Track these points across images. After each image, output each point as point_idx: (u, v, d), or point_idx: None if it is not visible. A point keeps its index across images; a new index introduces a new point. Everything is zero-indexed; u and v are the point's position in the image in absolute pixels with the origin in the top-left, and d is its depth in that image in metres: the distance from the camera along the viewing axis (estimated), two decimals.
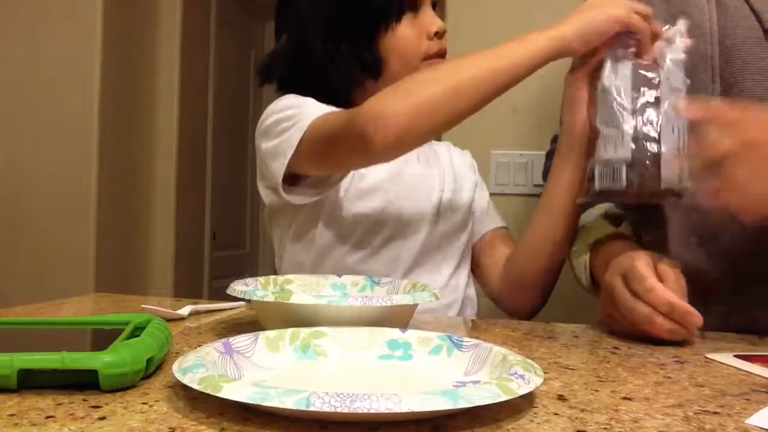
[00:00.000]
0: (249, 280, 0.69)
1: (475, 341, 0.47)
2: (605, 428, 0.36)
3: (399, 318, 0.60)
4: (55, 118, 2.06)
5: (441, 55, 0.90)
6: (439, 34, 0.89)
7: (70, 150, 2.05)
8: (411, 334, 0.50)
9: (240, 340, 0.46)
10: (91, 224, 2.05)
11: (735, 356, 0.56)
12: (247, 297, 0.59)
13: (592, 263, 0.82)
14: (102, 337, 0.46)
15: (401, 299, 0.57)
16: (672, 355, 0.57)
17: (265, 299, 0.56)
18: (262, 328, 0.54)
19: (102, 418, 0.35)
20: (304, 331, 0.50)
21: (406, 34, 0.88)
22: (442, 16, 1.59)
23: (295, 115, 0.81)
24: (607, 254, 0.77)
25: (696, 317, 0.60)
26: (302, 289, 0.73)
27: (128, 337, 0.44)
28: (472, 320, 0.75)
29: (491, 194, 1.58)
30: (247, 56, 3.22)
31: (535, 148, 1.40)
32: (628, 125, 0.68)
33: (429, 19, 0.90)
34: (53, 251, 2.06)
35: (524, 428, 0.35)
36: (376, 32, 0.88)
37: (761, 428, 0.36)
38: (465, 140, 1.52)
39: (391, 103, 0.71)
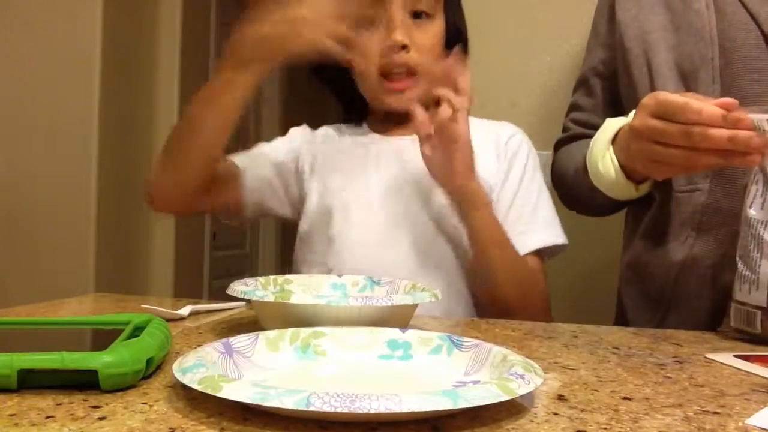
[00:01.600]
0: (249, 280, 0.69)
1: (475, 341, 0.47)
2: (605, 428, 0.36)
3: (399, 318, 0.60)
4: (55, 118, 2.06)
5: (396, 66, 0.85)
6: (393, 48, 0.84)
7: (70, 150, 2.05)
8: (411, 334, 0.50)
9: (240, 340, 0.46)
10: (91, 224, 2.05)
11: (735, 356, 0.56)
12: (247, 297, 0.59)
13: (618, 153, 0.78)
14: (102, 337, 0.46)
15: (401, 299, 0.57)
16: (672, 355, 0.57)
17: (265, 299, 0.56)
18: (262, 328, 0.55)
19: (102, 418, 0.35)
20: (304, 331, 0.50)
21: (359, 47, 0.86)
22: None
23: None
24: (621, 134, 0.75)
25: (746, 118, 0.58)
26: (302, 290, 0.73)
27: (128, 337, 0.44)
28: (472, 320, 0.75)
29: None
30: None
31: (535, 147, 1.40)
32: (765, 269, 0.62)
33: (387, 30, 0.85)
34: (53, 251, 2.06)
35: (524, 428, 0.35)
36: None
37: (761, 428, 0.37)
38: None
39: (154, 176, 0.83)
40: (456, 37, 0.90)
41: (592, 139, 0.82)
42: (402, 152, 0.91)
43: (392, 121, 0.94)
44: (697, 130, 0.59)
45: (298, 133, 1.01)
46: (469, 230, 0.81)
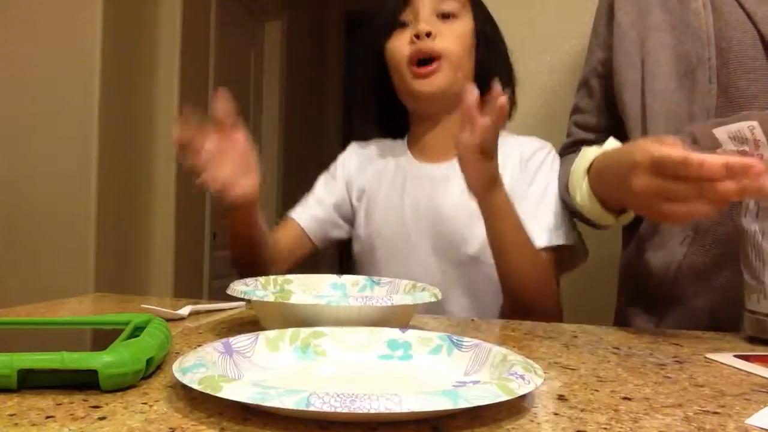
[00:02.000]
0: (249, 280, 0.69)
1: (475, 341, 0.47)
2: (605, 428, 0.36)
3: (399, 318, 0.60)
4: (55, 118, 2.06)
5: (421, 53, 0.92)
6: (420, 36, 0.92)
7: (70, 150, 2.05)
8: (411, 334, 0.50)
9: (240, 340, 0.46)
10: (91, 224, 2.05)
11: (735, 356, 0.56)
12: (247, 297, 0.59)
13: (593, 185, 0.80)
14: (102, 337, 0.46)
15: (401, 299, 0.57)
16: (672, 355, 0.57)
17: (265, 299, 0.56)
18: (262, 328, 0.55)
19: (102, 418, 0.35)
20: (304, 331, 0.50)
21: (392, 47, 0.96)
22: None
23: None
24: (603, 163, 0.77)
25: (757, 164, 0.56)
26: (302, 289, 0.73)
27: (128, 337, 0.44)
28: (472, 320, 0.75)
29: None
30: (247, 56, 3.22)
31: None
32: None
33: (413, 28, 0.94)
34: (53, 251, 2.06)
35: (524, 428, 0.35)
36: (380, 49, 0.99)
37: (761, 428, 0.37)
38: None
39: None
40: (486, 42, 0.97)
41: (572, 167, 0.84)
42: (437, 181, 0.98)
43: (428, 146, 1.02)
44: (707, 188, 0.57)
45: (348, 160, 1.10)
46: (492, 235, 0.81)
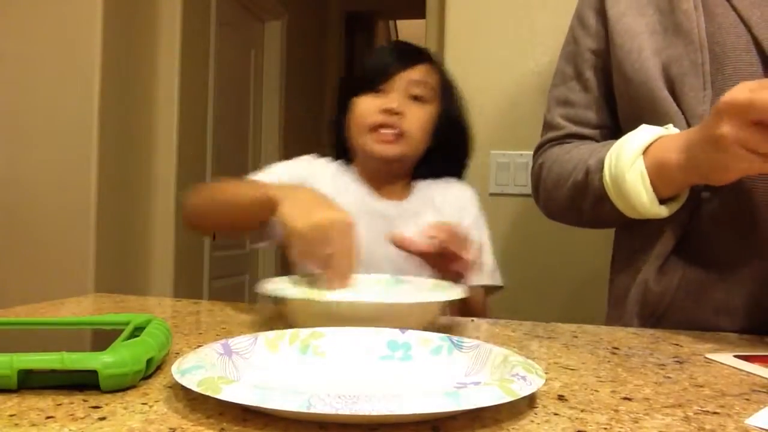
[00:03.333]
0: (275, 280, 0.71)
1: (476, 342, 0.47)
2: (605, 428, 0.36)
3: (425, 315, 0.62)
4: (55, 119, 2.06)
5: (385, 126, 0.99)
6: (389, 111, 0.99)
7: (70, 150, 2.05)
8: (411, 335, 0.50)
9: (239, 341, 0.46)
10: (91, 224, 2.05)
11: (735, 356, 0.56)
12: (280, 295, 0.60)
13: (653, 169, 0.72)
14: (102, 337, 0.46)
15: (429, 296, 0.62)
16: (672, 355, 0.57)
17: (326, 297, 0.58)
18: (262, 330, 0.55)
19: (102, 419, 0.35)
20: (304, 332, 0.50)
21: (360, 107, 1.03)
22: (441, 17, 1.59)
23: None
24: (676, 142, 0.70)
25: None
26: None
27: (128, 338, 0.44)
28: (472, 320, 0.75)
29: (491, 194, 1.58)
30: (247, 56, 3.22)
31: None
32: None
33: (386, 100, 1.01)
34: (53, 251, 2.06)
35: (524, 428, 0.35)
36: (346, 102, 1.05)
37: (761, 428, 0.37)
38: None
39: (190, 197, 0.95)
40: (450, 126, 1.06)
41: (617, 145, 0.76)
42: (393, 220, 1.02)
43: (376, 182, 1.07)
44: None
45: (307, 164, 1.10)
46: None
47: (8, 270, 2.06)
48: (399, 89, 1.02)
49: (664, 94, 0.77)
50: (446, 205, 1.07)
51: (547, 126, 0.94)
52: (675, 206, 0.74)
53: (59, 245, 2.05)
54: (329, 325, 0.51)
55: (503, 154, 1.50)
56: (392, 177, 1.08)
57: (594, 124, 0.89)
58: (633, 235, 0.85)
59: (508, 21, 1.51)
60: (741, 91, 0.60)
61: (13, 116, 2.07)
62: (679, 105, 0.75)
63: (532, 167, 0.97)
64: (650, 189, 0.72)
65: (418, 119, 1.02)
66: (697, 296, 0.76)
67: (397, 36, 5.52)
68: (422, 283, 0.75)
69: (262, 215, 0.80)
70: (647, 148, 0.73)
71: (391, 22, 5.51)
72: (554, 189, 0.88)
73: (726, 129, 0.61)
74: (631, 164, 0.72)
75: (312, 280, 0.73)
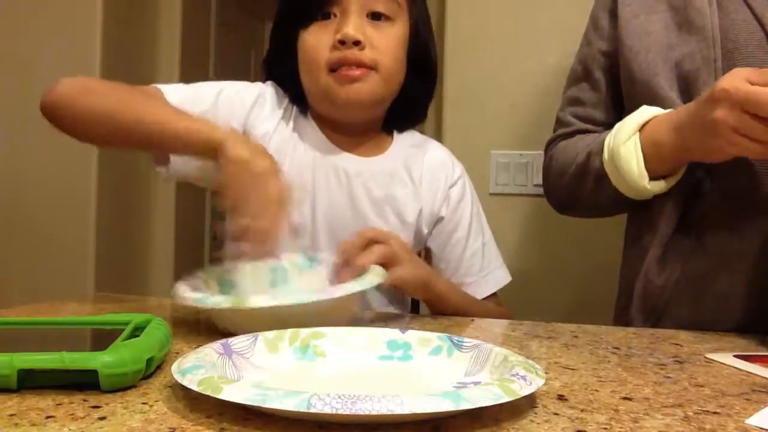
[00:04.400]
0: (193, 281, 0.66)
1: (476, 342, 0.47)
2: (605, 428, 0.36)
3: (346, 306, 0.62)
4: None
5: (346, 63, 0.79)
6: (346, 43, 0.78)
7: (70, 150, 2.04)
8: (411, 335, 0.50)
9: (239, 341, 0.46)
10: (91, 224, 2.05)
11: (735, 356, 0.56)
12: (200, 305, 0.58)
13: (646, 143, 0.75)
14: (102, 337, 0.46)
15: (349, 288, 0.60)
16: (672, 355, 0.57)
17: (223, 305, 0.56)
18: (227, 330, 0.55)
19: (102, 418, 0.35)
20: (304, 332, 0.50)
21: (308, 42, 0.82)
22: (441, 12, 1.59)
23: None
24: (667, 119, 0.73)
25: None
26: (249, 281, 0.70)
27: (128, 337, 0.44)
28: (472, 320, 0.75)
29: (491, 194, 1.57)
30: (247, 56, 3.22)
31: (535, 147, 1.40)
32: None
33: (338, 27, 0.80)
34: (53, 251, 2.05)
35: (524, 428, 0.35)
36: (290, 39, 0.85)
37: (761, 428, 0.36)
38: (465, 140, 1.53)
39: (67, 82, 0.75)
40: (419, 47, 0.86)
41: (618, 124, 0.78)
42: (353, 178, 0.87)
43: (341, 131, 0.89)
44: None
45: (265, 103, 0.88)
46: (439, 311, 0.82)
47: (8, 270, 2.06)
48: (354, 9, 0.80)
49: (669, 93, 0.78)
50: (425, 182, 0.90)
51: (558, 123, 0.96)
52: (668, 184, 0.76)
53: (59, 245, 2.05)
54: (251, 329, 0.50)
55: (503, 154, 1.50)
56: (360, 126, 0.89)
57: (600, 122, 0.91)
58: (635, 227, 0.86)
59: (508, 21, 1.51)
60: (737, 80, 0.62)
61: (13, 116, 2.07)
62: (689, 101, 0.76)
63: (543, 162, 0.98)
64: (641, 162, 0.74)
65: (386, 45, 0.81)
66: (699, 288, 0.76)
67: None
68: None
69: (190, 152, 0.71)
70: (644, 126, 0.75)
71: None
72: (559, 177, 0.91)
73: (720, 114, 0.64)
74: (626, 139, 0.75)
75: (223, 273, 0.70)
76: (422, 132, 1.02)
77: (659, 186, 0.76)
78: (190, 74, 2.47)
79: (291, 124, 0.89)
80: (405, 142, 0.93)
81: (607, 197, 0.82)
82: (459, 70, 1.54)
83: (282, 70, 0.88)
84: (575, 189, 0.87)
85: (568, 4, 1.39)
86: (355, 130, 0.89)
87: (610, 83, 0.90)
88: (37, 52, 2.07)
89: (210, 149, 0.68)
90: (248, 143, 0.70)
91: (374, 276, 0.64)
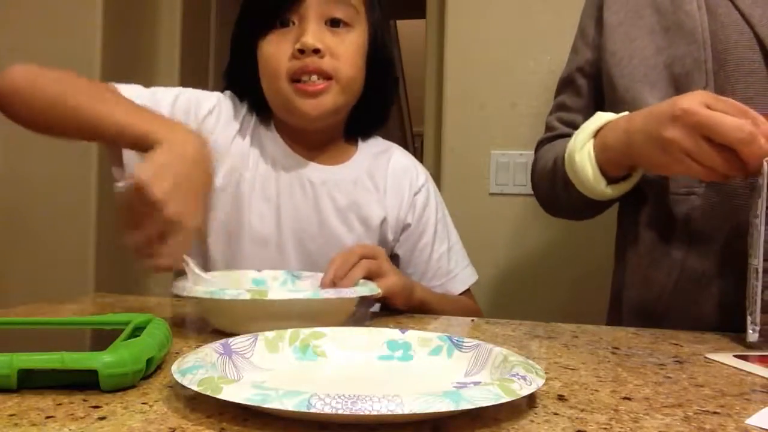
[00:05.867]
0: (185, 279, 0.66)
1: (476, 342, 0.47)
2: (605, 428, 0.36)
3: (339, 311, 0.64)
4: None
5: (306, 72, 0.79)
6: (305, 52, 0.78)
7: (70, 150, 2.05)
8: (411, 335, 0.50)
9: (239, 341, 0.46)
10: (91, 224, 2.05)
11: (735, 356, 0.56)
12: (216, 296, 0.57)
13: (598, 148, 0.76)
14: (102, 337, 0.46)
15: (353, 292, 0.62)
16: (672, 355, 0.57)
17: (240, 297, 0.56)
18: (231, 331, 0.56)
19: (102, 418, 0.35)
20: (304, 332, 0.50)
21: (267, 51, 0.81)
22: (441, 17, 1.59)
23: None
24: (619, 124, 0.74)
25: None
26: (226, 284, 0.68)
27: (128, 337, 0.44)
28: (473, 320, 0.75)
29: (491, 194, 1.57)
30: None
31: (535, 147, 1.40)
32: None
33: (297, 36, 0.80)
34: (53, 251, 2.05)
35: (524, 428, 0.35)
36: (250, 48, 0.84)
37: (761, 428, 0.37)
38: (465, 140, 1.53)
39: (19, 69, 0.75)
40: (378, 52, 0.86)
41: (577, 131, 0.80)
42: (318, 187, 0.88)
43: (302, 140, 0.89)
44: (746, 127, 0.60)
45: (221, 114, 0.88)
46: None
47: (8, 270, 2.06)
48: (312, 16, 0.79)
49: (649, 100, 0.79)
50: (389, 190, 0.91)
51: (546, 127, 0.99)
52: (624, 187, 0.78)
53: (59, 245, 2.05)
54: (254, 328, 0.50)
55: (503, 154, 1.50)
56: (322, 135, 0.89)
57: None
58: (623, 231, 0.88)
59: (508, 21, 1.51)
60: (698, 104, 0.64)
61: None
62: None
63: (531, 165, 1.01)
64: (596, 167, 0.76)
65: (345, 52, 0.81)
66: (696, 292, 0.76)
67: (397, 36, 5.51)
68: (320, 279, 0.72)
69: (125, 145, 0.69)
70: (600, 131, 0.77)
71: (390, 22, 5.52)
72: (539, 181, 0.94)
73: (674, 134, 0.65)
74: (582, 145, 0.77)
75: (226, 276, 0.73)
76: (422, 132, 1.03)
77: (619, 188, 0.78)
78: (190, 74, 2.47)
79: (248, 138, 0.88)
80: (369, 149, 0.94)
81: (577, 199, 0.83)
82: (459, 70, 1.54)
83: (242, 80, 0.88)
84: (551, 192, 0.90)
85: (568, 5, 1.38)
86: (317, 138, 0.89)
87: (593, 89, 0.92)
88: (37, 52, 2.07)
89: (142, 141, 0.64)
90: (184, 129, 0.67)
91: (373, 285, 0.68)
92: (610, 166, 0.76)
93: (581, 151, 0.77)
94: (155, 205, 0.57)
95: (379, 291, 0.68)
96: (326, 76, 0.80)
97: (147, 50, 2.32)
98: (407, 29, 5.34)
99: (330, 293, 0.59)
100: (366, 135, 0.94)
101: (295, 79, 0.80)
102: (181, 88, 0.88)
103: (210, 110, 0.86)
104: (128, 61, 2.21)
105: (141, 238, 0.58)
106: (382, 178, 0.91)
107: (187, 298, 0.61)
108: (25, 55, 2.07)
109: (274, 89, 0.82)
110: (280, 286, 0.75)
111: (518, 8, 1.50)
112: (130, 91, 0.81)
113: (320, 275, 0.72)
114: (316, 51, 0.78)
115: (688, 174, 0.68)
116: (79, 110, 0.69)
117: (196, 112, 0.86)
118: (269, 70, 0.81)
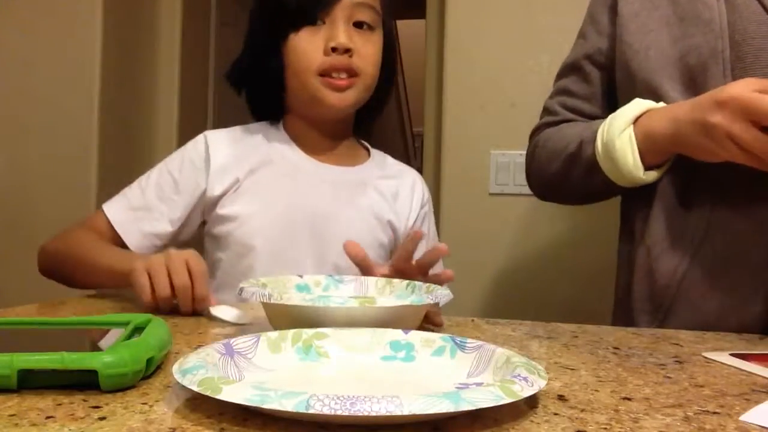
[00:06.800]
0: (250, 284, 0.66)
1: (479, 342, 0.47)
2: (605, 428, 0.36)
3: (411, 319, 0.59)
4: (55, 119, 2.06)
5: (337, 69, 0.86)
6: (338, 50, 0.85)
7: (70, 150, 2.05)
8: (414, 335, 0.50)
9: (241, 341, 0.46)
10: None
11: (734, 356, 0.56)
12: (314, 303, 0.55)
13: (641, 135, 0.76)
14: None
15: (415, 299, 0.59)
16: (672, 355, 0.57)
17: (308, 302, 0.55)
18: (264, 330, 0.54)
19: (102, 418, 0.35)
20: (307, 333, 0.49)
21: (299, 47, 0.87)
22: (441, 17, 1.59)
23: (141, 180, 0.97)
24: (664, 113, 0.75)
25: None
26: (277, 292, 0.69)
27: (128, 337, 0.44)
28: (473, 320, 0.75)
29: (491, 194, 1.57)
30: None
31: None
32: None
33: (331, 34, 0.86)
34: None
35: (524, 428, 0.35)
36: (279, 41, 0.89)
37: (758, 425, 0.36)
38: (465, 140, 1.53)
39: (48, 245, 0.91)
40: (387, 54, 0.93)
41: (610, 117, 0.80)
42: (329, 186, 0.92)
43: (317, 143, 0.94)
44: None
45: (218, 150, 0.93)
46: None
47: (8, 270, 2.06)
48: (342, 17, 0.86)
49: (668, 90, 0.79)
50: (400, 197, 0.97)
51: (545, 111, 0.98)
52: (660, 173, 0.79)
53: None
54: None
55: (503, 154, 1.50)
56: (335, 134, 0.94)
57: (587, 114, 0.92)
58: (629, 228, 0.88)
59: (508, 21, 1.51)
60: (746, 89, 0.64)
61: (14, 117, 2.07)
62: (697, 94, 0.76)
63: (527, 149, 1.00)
64: (637, 154, 0.77)
65: (369, 54, 0.88)
66: (705, 286, 0.76)
67: (397, 36, 5.51)
68: (367, 282, 0.71)
69: (120, 284, 0.77)
70: (638, 119, 0.77)
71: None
72: (547, 163, 0.92)
73: (721, 119, 0.66)
74: (621, 131, 0.77)
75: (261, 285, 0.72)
76: (422, 132, 1.05)
77: (652, 175, 0.79)
78: (190, 74, 2.47)
79: (253, 144, 0.93)
80: (381, 159, 1.01)
81: (598, 184, 0.83)
82: (459, 70, 1.54)
83: (259, 75, 0.92)
84: (565, 176, 0.89)
85: (568, 5, 1.39)
86: (330, 135, 0.94)
87: (604, 79, 0.91)
88: (37, 52, 2.07)
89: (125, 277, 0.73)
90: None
91: (443, 293, 0.62)
92: (653, 153, 0.77)
93: (621, 136, 0.77)
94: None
95: (451, 296, 0.64)
96: (353, 74, 0.87)
97: (147, 50, 2.32)
98: (407, 29, 5.34)
99: (429, 298, 0.59)
100: (362, 129, 1.00)
101: (324, 73, 0.86)
102: (166, 163, 0.96)
103: (205, 157, 0.92)
104: (128, 61, 2.21)
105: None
106: (393, 186, 0.97)
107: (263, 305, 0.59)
108: (25, 56, 2.07)
109: (303, 81, 0.88)
110: (323, 291, 0.73)
111: (518, 8, 1.50)
112: (123, 205, 0.97)
113: (362, 278, 0.70)
114: (347, 50, 0.85)
115: (733, 159, 0.68)
116: (94, 268, 0.83)
117: (195, 158, 0.93)
118: (301, 64, 0.87)
